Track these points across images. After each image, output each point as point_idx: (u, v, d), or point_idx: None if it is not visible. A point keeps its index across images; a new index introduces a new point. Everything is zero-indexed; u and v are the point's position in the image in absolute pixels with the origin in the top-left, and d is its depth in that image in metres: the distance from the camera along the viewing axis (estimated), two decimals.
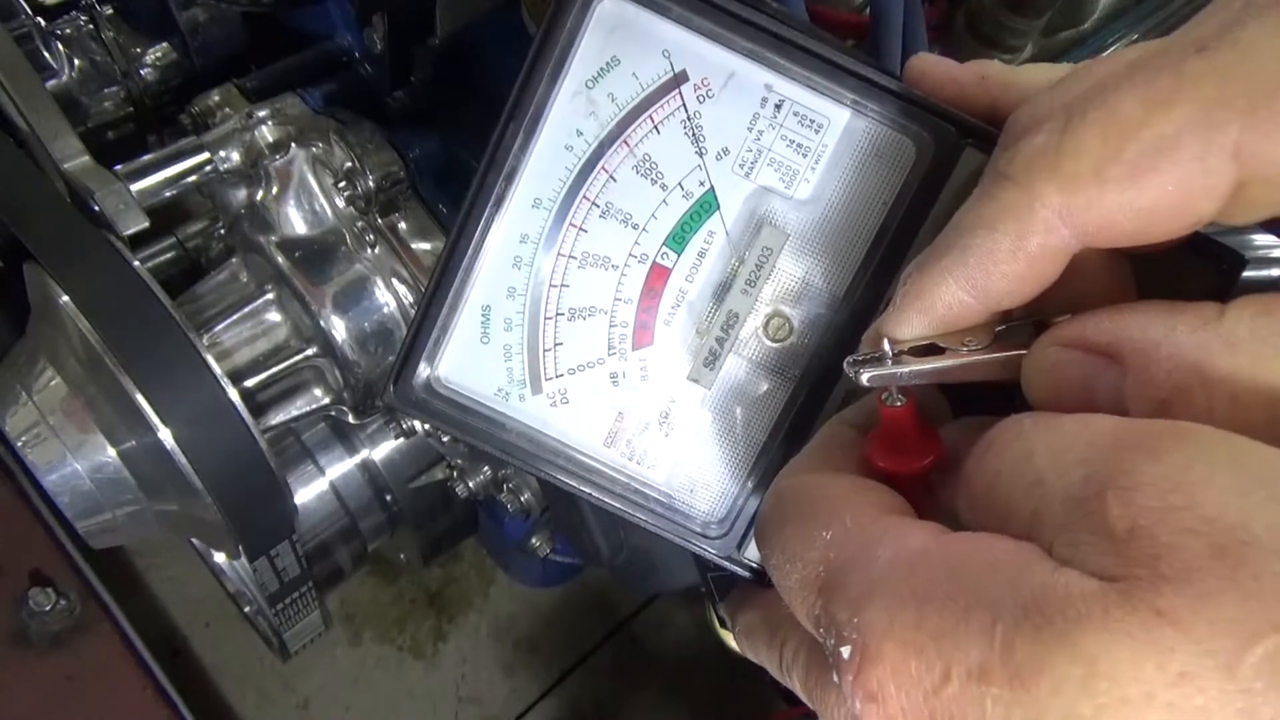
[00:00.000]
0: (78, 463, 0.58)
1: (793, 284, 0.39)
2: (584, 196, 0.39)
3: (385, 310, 0.67)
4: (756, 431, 0.40)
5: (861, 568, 0.25)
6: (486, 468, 0.76)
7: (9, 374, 0.60)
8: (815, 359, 0.39)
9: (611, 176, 0.39)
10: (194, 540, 0.74)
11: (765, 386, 0.40)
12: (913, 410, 0.29)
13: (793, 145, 0.38)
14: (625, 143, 0.38)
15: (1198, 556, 0.20)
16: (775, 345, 0.39)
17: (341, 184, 0.65)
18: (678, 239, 0.39)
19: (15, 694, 1.02)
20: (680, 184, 0.38)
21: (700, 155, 0.38)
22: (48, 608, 1.03)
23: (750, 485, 0.40)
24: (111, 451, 0.58)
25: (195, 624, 1.28)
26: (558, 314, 0.40)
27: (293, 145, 0.66)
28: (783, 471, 0.32)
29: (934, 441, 0.29)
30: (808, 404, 0.39)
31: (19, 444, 0.58)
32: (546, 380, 0.41)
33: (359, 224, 0.67)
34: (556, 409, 0.41)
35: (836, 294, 0.39)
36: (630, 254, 0.39)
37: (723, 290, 0.39)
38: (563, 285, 0.40)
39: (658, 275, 0.39)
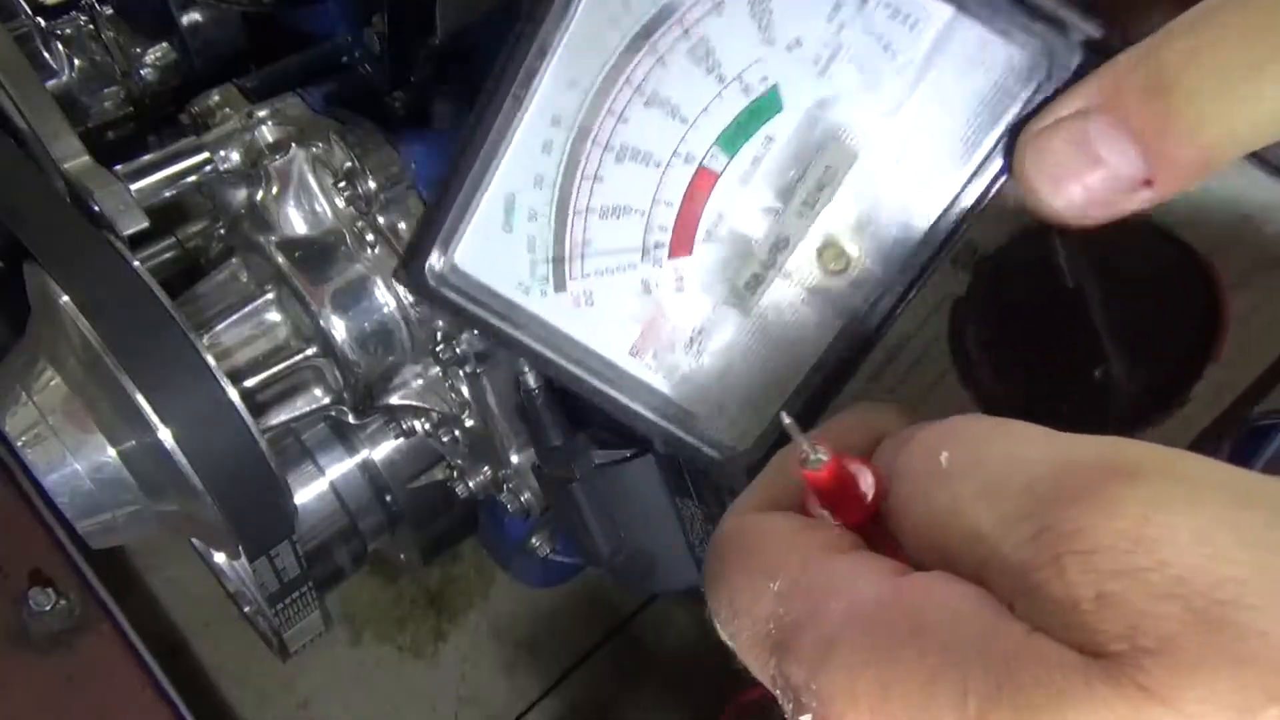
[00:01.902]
0: (78, 463, 0.58)
1: (858, 211, 0.33)
2: (627, 80, 0.34)
3: (385, 310, 0.67)
4: (794, 367, 0.36)
5: (815, 624, 0.23)
6: (486, 468, 0.76)
7: (9, 374, 0.60)
8: (870, 297, 0.34)
9: (661, 60, 0.33)
10: (194, 540, 0.74)
11: (810, 320, 0.35)
12: (836, 468, 0.26)
13: (880, 44, 0.31)
14: (680, 21, 0.33)
15: (1176, 624, 0.19)
16: (827, 277, 0.35)
17: (341, 184, 0.65)
18: (730, 140, 0.34)
19: (15, 694, 1.02)
20: (740, 77, 0.33)
21: (767, 45, 0.32)
22: (48, 608, 1.03)
23: (783, 423, 0.37)
24: (111, 451, 0.58)
25: (195, 624, 1.28)
26: (589, 209, 0.36)
27: (293, 145, 0.66)
28: (729, 509, 0.30)
29: (870, 481, 0.27)
30: (854, 345, 0.35)
31: (19, 444, 0.58)
32: (571, 279, 0.37)
33: (359, 224, 0.67)
34: (580, 310, 0.37)
35: (909, 228, 0.33)
36: (675, 151, 0.34)
37: (776, 207, 0.34)
38: (596, 178, 0.35)
39: (704, 179, 0.34)
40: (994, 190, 0.32)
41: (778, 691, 0.24)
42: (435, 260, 0.37)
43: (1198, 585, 0.19)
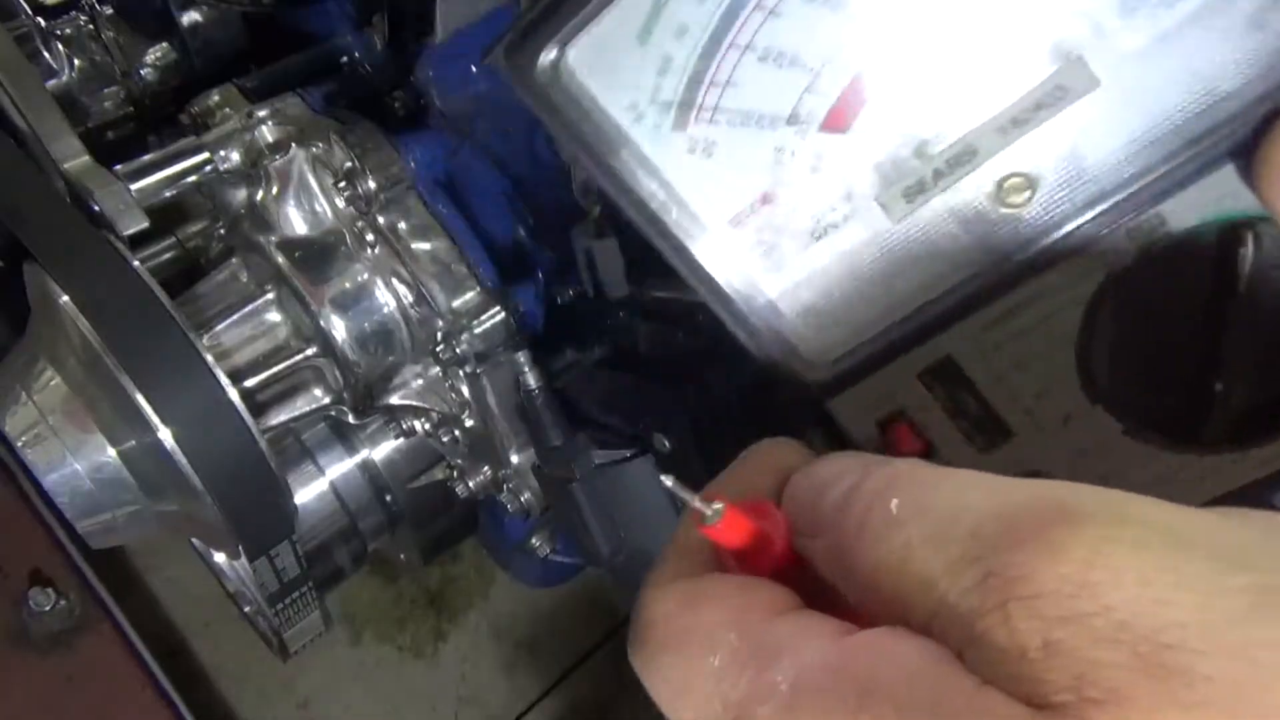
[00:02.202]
0: (78, 463, 0.58)
1: (1066, 145, 0.29)
2: None
3: (385, 310, 0.67)
4: (915, 291, 0.32)
5: (762, 700, 0.22)
6: (486, 468, 0.76)
7: (9, 374, 0.60)
8: (1029, 242, 0.30)
9: None
10: (194, 540, 0.74)
11: (955, 247, 0.31)
12: (734, 518, 0.25)
13: None
14: None
15: (1123, 671, 0.18)
16: (996, 208, 0.30)
17: (341, 184, 0.65)
18: None
19: (15, 694, 1.02)
20: None
21: None
22: (48, 608, 1.03)
23: (883, 345, 0.31)
24: (111, 451, 0.58)
25: (195, 624, 1.28)
26: (749, 46, 0.30)
27: (293, 145, 0.66)
28: (647, 579, 0.28)
29: (777, 526, 0.26)
30: (987, 286, 0.31)
31: (19, 444, 0.58)
32: (695, 121, 0.31)
33: (359, 224, 0.67)
34: (693, 158, 0.32)
35: (1106, 182, 0.29)
36: (880, 5, 0.29)
37: (977, 113, 0.29)
38: (773, 12, 0.30)
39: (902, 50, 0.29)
40: (1212, 168, 0.29)
41: None
42: (547, 56, 0.31)
43: (1142, 630, 0.19)
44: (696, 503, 0.25)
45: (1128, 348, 0.31)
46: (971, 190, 0.30)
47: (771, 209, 0.32)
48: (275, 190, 0.67)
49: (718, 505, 0.25)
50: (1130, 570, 0.19)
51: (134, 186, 0.62)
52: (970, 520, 0.21)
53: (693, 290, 0.34)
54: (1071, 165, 0.30)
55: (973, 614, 0.20)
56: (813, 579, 0.25)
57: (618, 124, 0.32)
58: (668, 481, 0.25)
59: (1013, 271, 0.31)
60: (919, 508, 0.23)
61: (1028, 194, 0.30)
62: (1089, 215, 0.30)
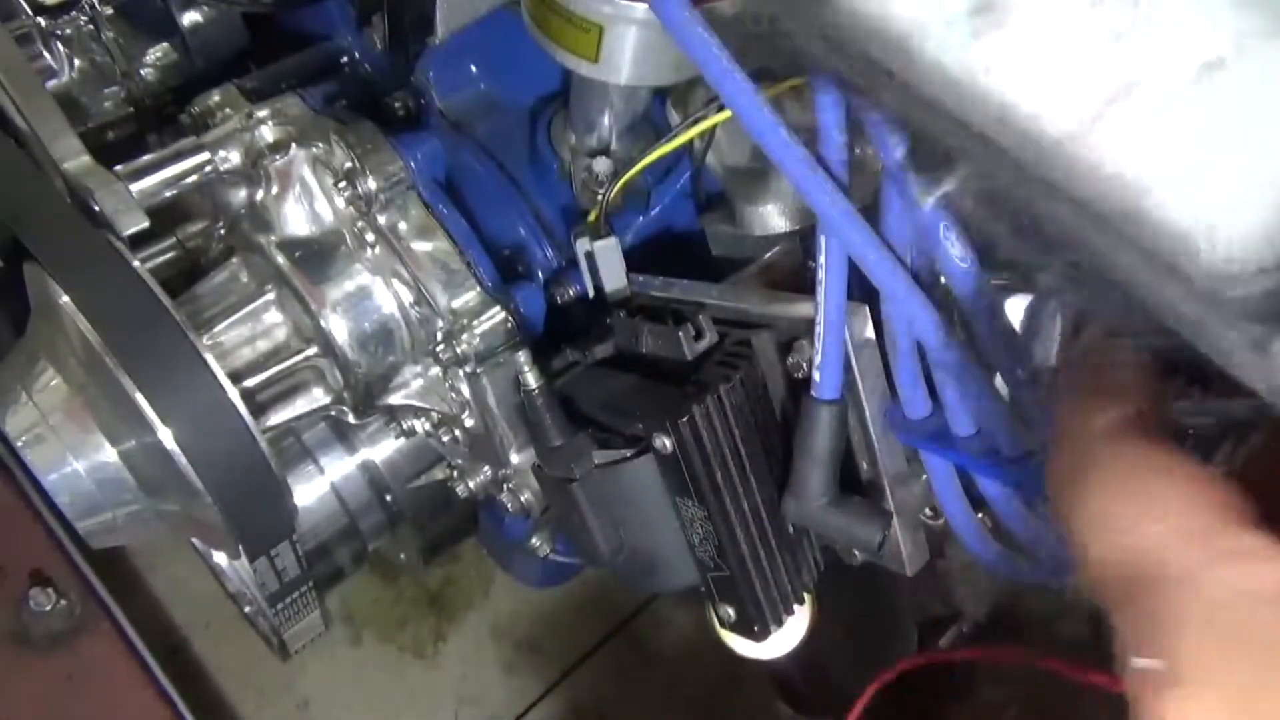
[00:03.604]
0: (78, 463, 0.58)
1: None
2: None
3: (385, 311, 0.67)
4: None
5: (1190, 587, 0.21)
6: (487, 468, 0.76)
7: (9, 374, 0.60)
8: None
9: None
10: (194, 540, 0.74)
11: None
12: None
13: None
14: None
15: None
16: None
17: (342, 184, 0.65)
18: None
19: (15, 694, 1.02)
20: None
21: None
22: (48, 608, 1.03)
23: None
24: (112, 452, 0.58)
25: (195, 624, 1.28)
26: None
27: (293, 146, 0.66)
28: (1103, 414, 0.25)
29: None
30: None
31: (19, 444, 0.58)
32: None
33: (359, 224, 0.67)
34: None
35: None
36: None
37: None
38: None
39: None
40: None
41: (1110, 611, 0.22)
42: None
43: None
44: None
45: None
46: None
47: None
48: (275, 190, 0.67)
49: None
50: None
51: (134, 187, 0.62)
52: None
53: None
54: None
55: None
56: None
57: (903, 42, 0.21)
58: None
59: None
60: None
61: None
62: None
